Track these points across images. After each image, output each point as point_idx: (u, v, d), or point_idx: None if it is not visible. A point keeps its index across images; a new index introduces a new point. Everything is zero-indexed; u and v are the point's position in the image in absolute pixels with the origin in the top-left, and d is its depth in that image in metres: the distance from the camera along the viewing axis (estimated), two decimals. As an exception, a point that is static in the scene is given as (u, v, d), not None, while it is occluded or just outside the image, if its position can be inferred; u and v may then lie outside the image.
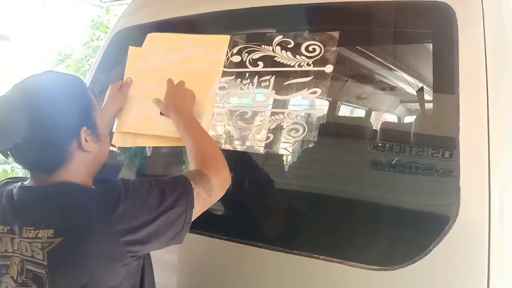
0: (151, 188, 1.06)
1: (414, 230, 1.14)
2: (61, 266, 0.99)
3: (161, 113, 1.45)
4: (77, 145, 1.08)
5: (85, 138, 1.08)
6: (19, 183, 1.12)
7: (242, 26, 1.59)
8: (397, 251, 1.15)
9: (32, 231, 1.01)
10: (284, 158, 1.38)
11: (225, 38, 1.56)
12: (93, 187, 1.13)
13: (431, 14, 1.26)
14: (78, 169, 1.09)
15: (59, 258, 0.98)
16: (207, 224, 1.32)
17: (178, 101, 1.40)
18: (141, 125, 1.55)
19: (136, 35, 1.93)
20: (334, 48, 1.35)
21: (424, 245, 1.09)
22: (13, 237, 1.05)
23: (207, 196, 1.12)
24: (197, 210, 1.10)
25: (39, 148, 1.03)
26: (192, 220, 1.10)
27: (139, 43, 1.96)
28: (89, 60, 8.74)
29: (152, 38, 1.71)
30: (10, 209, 1.07)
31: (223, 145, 1.48)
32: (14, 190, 1.09)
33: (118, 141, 1.59)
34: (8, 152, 1.04)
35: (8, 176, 1.20)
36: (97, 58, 2.01)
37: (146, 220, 1.01)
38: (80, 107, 1.10)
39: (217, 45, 1.58)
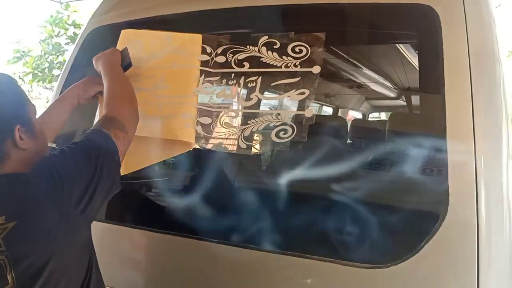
0: (76, 154, 1.10)
1: (406, 229, 1.17)
2: (20, 248, 0.99)
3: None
4: (12, 144, 1.05)
5: (20, 136, 1.06)
6: None
7: (225, 26, 1.58)
8: (390, 249, 1.17)
9: None
10: (273, 158, 1.37)
11: (198, 37, 1.55)
12: None
13: (415, 17, 1.29)
14: (17, 166, 1.06)
15: (17, 240, 0.98)
16: (200, 228, 1.31)
17: (102, 57, 1.48)
18: None
19: (111, 34, 1.88)
20: (320, 49, 1.36)
21: (416, 242, 1.12)
22: None
23: (125, 134, 1.19)
24: (122, 150, 1.17)
25: None
26: (122, 161, 1.17)
27: (114, 42, 1.91)
28: (48, 57, 8.44)
29: (127, 35, 1.66)
30: None
31: (209, 146, 1.46)
32: None
33: None
34: None
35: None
36: (70, 58, 1.94)
37: (87, 184, 1.06)
38: (12, 105, 1.08)
39: (190, 44, 1.56)
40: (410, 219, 1.17)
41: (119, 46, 1.62)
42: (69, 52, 8.58)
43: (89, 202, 1.06)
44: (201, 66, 1.52)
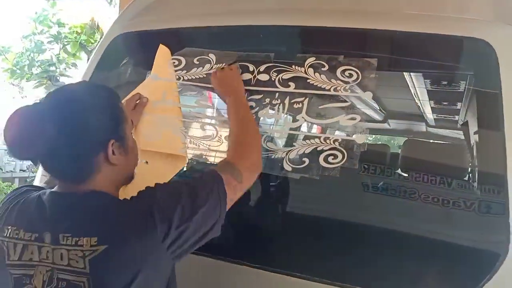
0: (182, 189, 1.07)
1: (464, 268, 1.15)
2: (106, 272, 0.97)
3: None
4: (104, 157, 1.05)
5: (113, 151, 1.06)
6: (48, 190, 1.09)
7: (268, 44, 1.53)
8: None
9: (70, 238, 0.98)
10: (322, 184, 1.33)
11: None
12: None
13: (472, 51, 1.29)
14: (106, 180, 1.07)
15: (104, 265, 0.97)
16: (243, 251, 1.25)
17: (231, 84, 1.42)
18: (159, 144, 1.46)
19: (139, 41, 1.82)
20: (372, 75, 1.34)
21: (474, 283, 1.10)
22: (41, 245, 1.01)
23: (238, 183, 1.14)
24: (231, 197, 1.12)
25: (65, 158, 1.02)
26: (227, 208, 1.11)
27: (142, 50, 1.85)
28: (30, 54, 8.19)
29: (165, 51, 1.61)
30: (41, 216, 1.04)
31: None
32: (44, 197, 1.07)
33: None
34: (35, 160, 1.05)
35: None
36: (91, 65, 1.83)
37: (183, 225, 1.02)
38: (110, 119, 1.08)
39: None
40: (469, 258, 1.15)
41: (158, 60, 1.57)
42: (52, 51, 8.31)
43: (181, 244, 1.03)
44: (244, 85, 1.48)
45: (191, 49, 1.59)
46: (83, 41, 8.06)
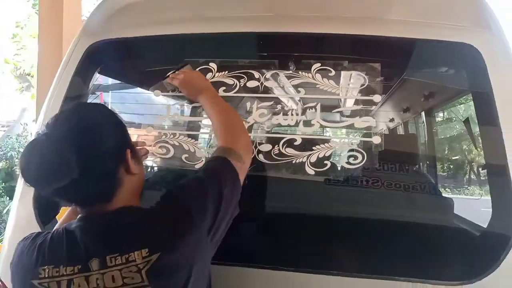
0: (204, 182, 1.12)
1: (488, 246, 1.29)
2: (165, 277, 0.99)
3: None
4: (124, 169, 1.07)
5: (131, 161, 1.08)
6: (73, 222, 1.07)
7: (269, 51, 1.56)
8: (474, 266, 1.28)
9: (119, 257, 0.98)
10: (345, 184, 1.40)
11: None
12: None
13: (462, 55, 1.44)
14: (129, 193, 1.08)
15: (162, 271, 0.98)
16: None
17: (199, 86, 1.46)
18: None
19: (121, 50, 1.71)
20: (378, 79, 1.44)
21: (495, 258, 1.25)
22: (88, 274, 0.99)
23: (241, 164, 1.20)
24: (240, 178, 1.19)
25: (91, 182, 1.01)
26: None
27: (122, 59, 1.76)
28: None
29: None
30: (77, 246, 1.02)
31: (272, 174, 1.43)
32: (72, 227, 1.05)
33: None
34: (60, 191, 0.99)
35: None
36: (63, 77, 1.65)
37: (215, 212, 1.08)
38: (120, 131, 1.11)
39: None
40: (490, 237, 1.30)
41: None
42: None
43: (218, 228, 1.09)
44: (251, 93, 1.49)
45: (192, 60, 1.55)
46: None
